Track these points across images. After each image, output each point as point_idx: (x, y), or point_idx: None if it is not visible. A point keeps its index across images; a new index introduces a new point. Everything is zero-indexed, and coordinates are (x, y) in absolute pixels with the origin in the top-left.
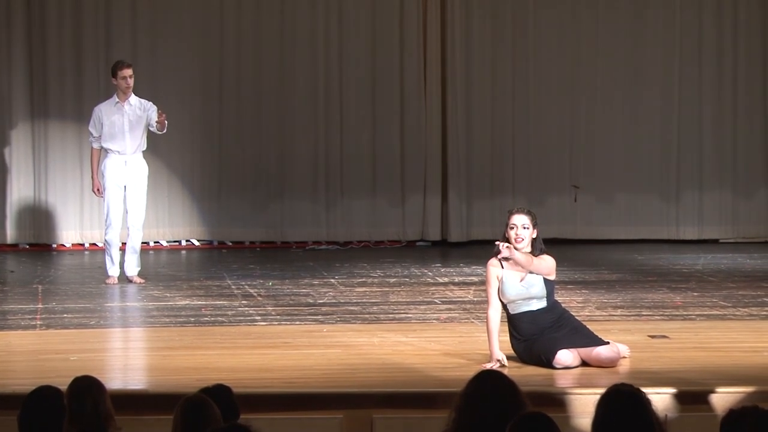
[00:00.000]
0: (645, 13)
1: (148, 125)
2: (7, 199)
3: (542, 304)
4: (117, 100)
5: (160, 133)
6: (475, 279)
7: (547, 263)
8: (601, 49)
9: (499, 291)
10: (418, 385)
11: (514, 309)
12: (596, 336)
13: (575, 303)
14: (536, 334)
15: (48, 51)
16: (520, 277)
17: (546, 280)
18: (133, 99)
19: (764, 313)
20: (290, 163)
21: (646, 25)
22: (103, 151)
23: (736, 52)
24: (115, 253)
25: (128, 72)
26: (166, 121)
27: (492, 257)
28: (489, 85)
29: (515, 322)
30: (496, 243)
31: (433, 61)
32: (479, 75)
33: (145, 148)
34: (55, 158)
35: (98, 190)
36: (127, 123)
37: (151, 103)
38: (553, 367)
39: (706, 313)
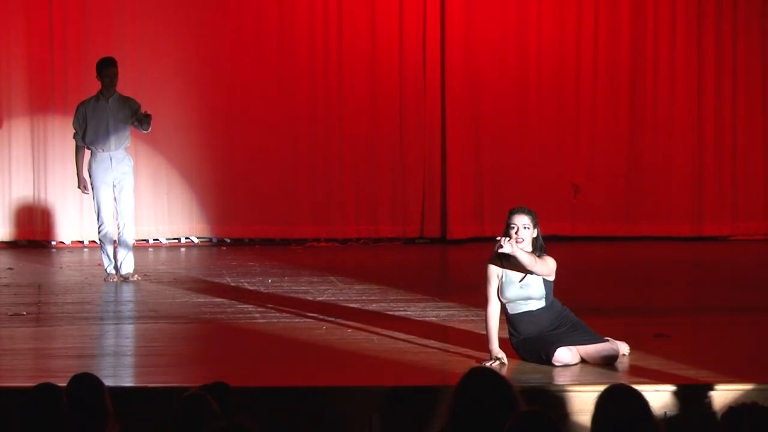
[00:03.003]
0: (645, 8)
1: (132, 122)
2: (6, 197)
3: (541, 303)
4: (101, 97)
5: (144, 132)
6: (474, 277)
7: (548, 265)
8: (601, 45)
9: (498, 290)
10: (417, 383)
11: (513, 309)
12: (595, 334)
13: (574, 301)
14: (535, 333)
15: (48, 45)
16: (520, 277)
17: (545, 281)
18: (117, 96)
19: (763, 309)
20: (289, 161)
21: (646, 22)
22: (88, 149)
23: (735, 48)
24: (111, 250)
25: (113, 70)
26: (150, 120)
27: (492, 255)
28: (489, 79)
29: (514, 322)
30: (498, 239)
31: (433, 55)
32: (479, 69)
33: (129, 144)
34: (54, 155)
35: (84, 187)
36: (111, 120)
37: (135, 99)
38: (553, 365)
39: (705, 310)
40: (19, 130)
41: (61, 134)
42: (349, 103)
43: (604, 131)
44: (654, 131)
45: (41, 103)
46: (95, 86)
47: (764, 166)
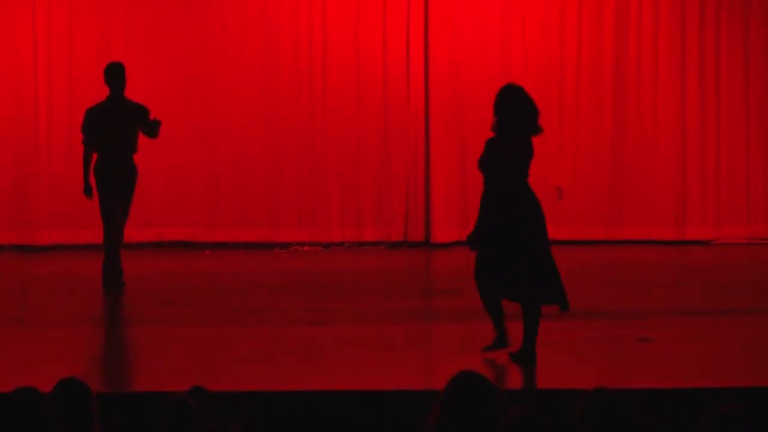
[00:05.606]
0: (629, 13)
1: (140, 129)
2: None
3: None
4: (110, 103)
5: (152, 138)
6: (460, 281)
7: None
8: (585, 51)
9: None
10: (403, 387)
11: None
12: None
13: None
14: None
15: (32, 48)
16: None
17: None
18: (126, 102)
19: (747, 312)
20: (273, 165)
21: (629, 27)
22: (96, 155)
23: (717, 53)
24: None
25: (121, 75)
26: (159, 127)
27: None
28: (473, 82)
29: None
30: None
31: (417, 58)
32: (463, 73)
33: (136, 152)
34: (40, 158)
35: (89, 192)
36: (119, 126)
37: (143, 106)
38: None
39: (689, 313)
40: (9, 129)
41: (46, 135)
42: (334, 106)
43: (587, 135)
44: (637, 135)
45: (26, 103)
46: (80, 89)
47: (747, 170)
